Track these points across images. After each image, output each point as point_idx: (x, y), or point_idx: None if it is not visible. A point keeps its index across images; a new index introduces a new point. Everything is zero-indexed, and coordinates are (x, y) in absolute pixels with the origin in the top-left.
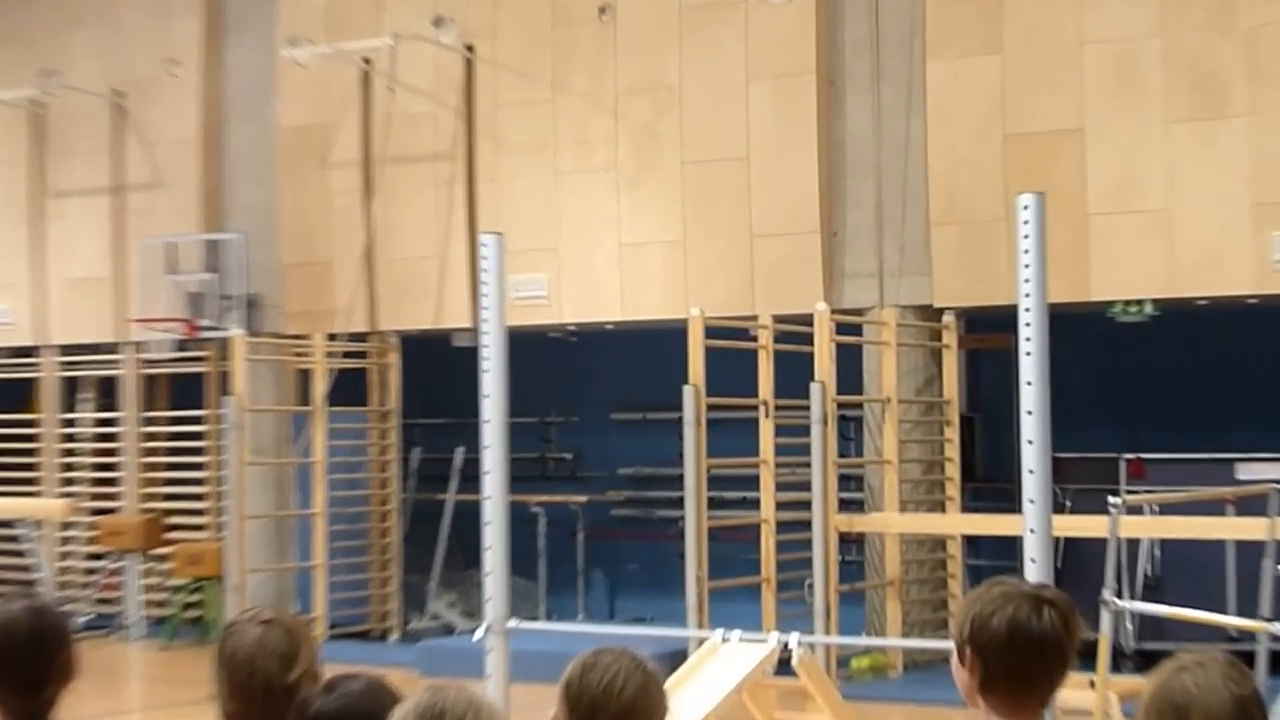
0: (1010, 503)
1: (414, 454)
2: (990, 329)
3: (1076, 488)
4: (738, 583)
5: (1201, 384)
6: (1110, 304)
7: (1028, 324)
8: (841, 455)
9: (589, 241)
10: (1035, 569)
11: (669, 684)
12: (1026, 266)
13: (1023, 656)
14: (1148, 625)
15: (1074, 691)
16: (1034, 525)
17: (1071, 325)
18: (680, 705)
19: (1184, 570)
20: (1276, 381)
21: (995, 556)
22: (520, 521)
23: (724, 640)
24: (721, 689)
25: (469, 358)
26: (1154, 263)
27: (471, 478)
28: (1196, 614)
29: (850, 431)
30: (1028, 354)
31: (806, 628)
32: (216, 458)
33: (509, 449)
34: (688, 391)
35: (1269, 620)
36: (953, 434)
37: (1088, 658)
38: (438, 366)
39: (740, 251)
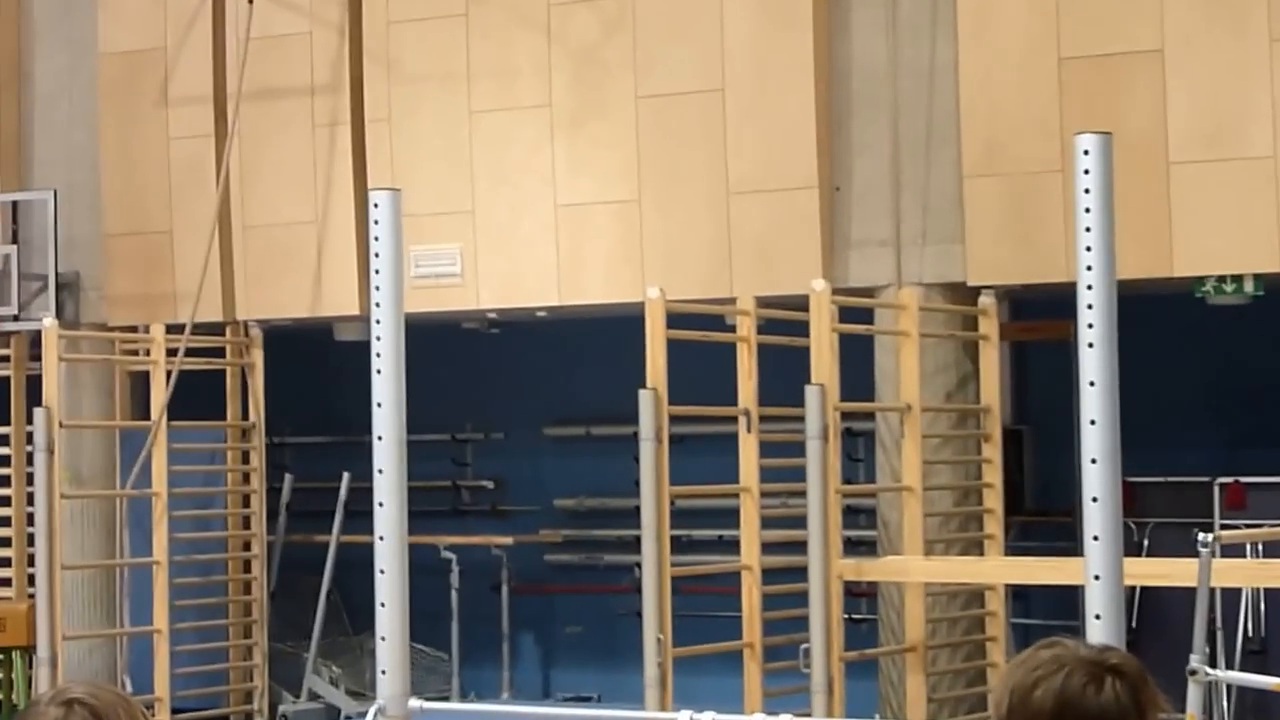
0: (1069, 542)
1: (285, 482)
2: (1043, 315)
3: (1156, 521)
4: (712, 649)
5: None
6: (1200, 281)
7: (1090, 307)
8: (847, 481)
9: (515, 202)
10: (1101, 627)
11: None
12: (1088, 231)
13: None
14: (1249, 702)
15: None
16: (1099, 570)
17: (1149, 309)
18: None
19: None
20: None
21: (1051, 614)
22: (427, 571)
23: None
24: None
25: (357, 356)
26: (1257, 227)
27: (361, 513)
28: None
29: (859, 450)
30: (1090, 346)
31: (802, 707)
32: (23, 489)
33: (406, 475)
34: (645, 397)
35: None
36: (993, 453)
37: None
38: (316, 368)
39: (713, 214)
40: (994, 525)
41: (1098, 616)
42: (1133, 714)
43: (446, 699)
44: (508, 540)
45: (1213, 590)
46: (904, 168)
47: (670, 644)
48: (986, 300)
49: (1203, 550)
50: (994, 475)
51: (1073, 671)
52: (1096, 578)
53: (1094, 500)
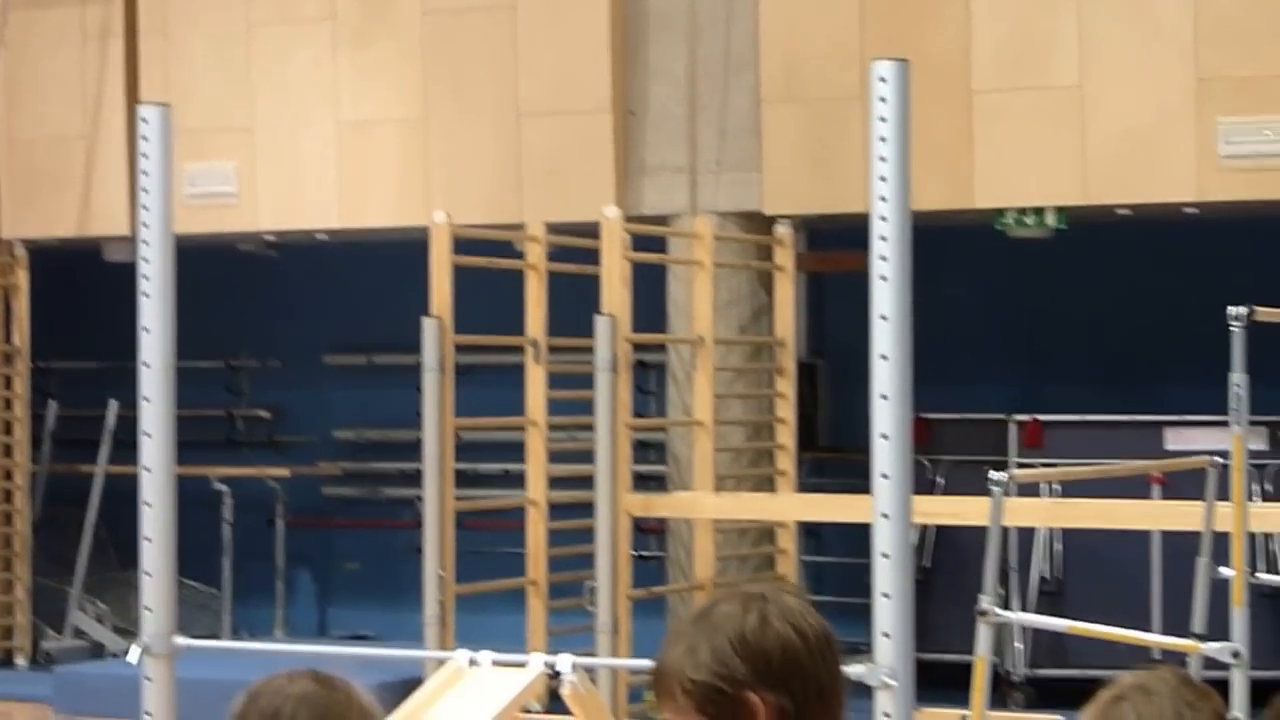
0: (863, 479)
1: (49, 410)
2: (841, 246)
3: (952, 459)
4: (495, 586)
5: (1120, 322)
6: (1000, 213)
7: (883, 238)
8: (638, 414)
9: (295, 119)
10: (888, 566)
11: None
12: (883, 160)
13: None
14: (1045, 645)
15: None
16: (887, 508)
17: (949, 242)
18: None
19: (1094, 571)
20: (1219, 321)
21: (844, 552)
22: (198, 503)
23: (471, 664)
24: None
25: (128, 278)
26: (1060, 159)
27: (130, 443)
28: (1107, 630)
29: (651, 383)
30: (883, 278)
31: (587, 646)
32: None
33: (176, 404)
34: (428, 326)
35: (1202, 638)
36: (787, 387)
37: (961, 685)
38: (83, 290)
39: (503, 136)
40: (786, 461)
41: (885, 555)
42: None
43: (217, 637)
44: (284, 472)
45: (1007, 530)
46: (700, 92)
47: (452, 581)
48: (783, 230)
49: (995, 489)
50: (787, 410)
51: None
52: (885, 516)
53: (884, 437)
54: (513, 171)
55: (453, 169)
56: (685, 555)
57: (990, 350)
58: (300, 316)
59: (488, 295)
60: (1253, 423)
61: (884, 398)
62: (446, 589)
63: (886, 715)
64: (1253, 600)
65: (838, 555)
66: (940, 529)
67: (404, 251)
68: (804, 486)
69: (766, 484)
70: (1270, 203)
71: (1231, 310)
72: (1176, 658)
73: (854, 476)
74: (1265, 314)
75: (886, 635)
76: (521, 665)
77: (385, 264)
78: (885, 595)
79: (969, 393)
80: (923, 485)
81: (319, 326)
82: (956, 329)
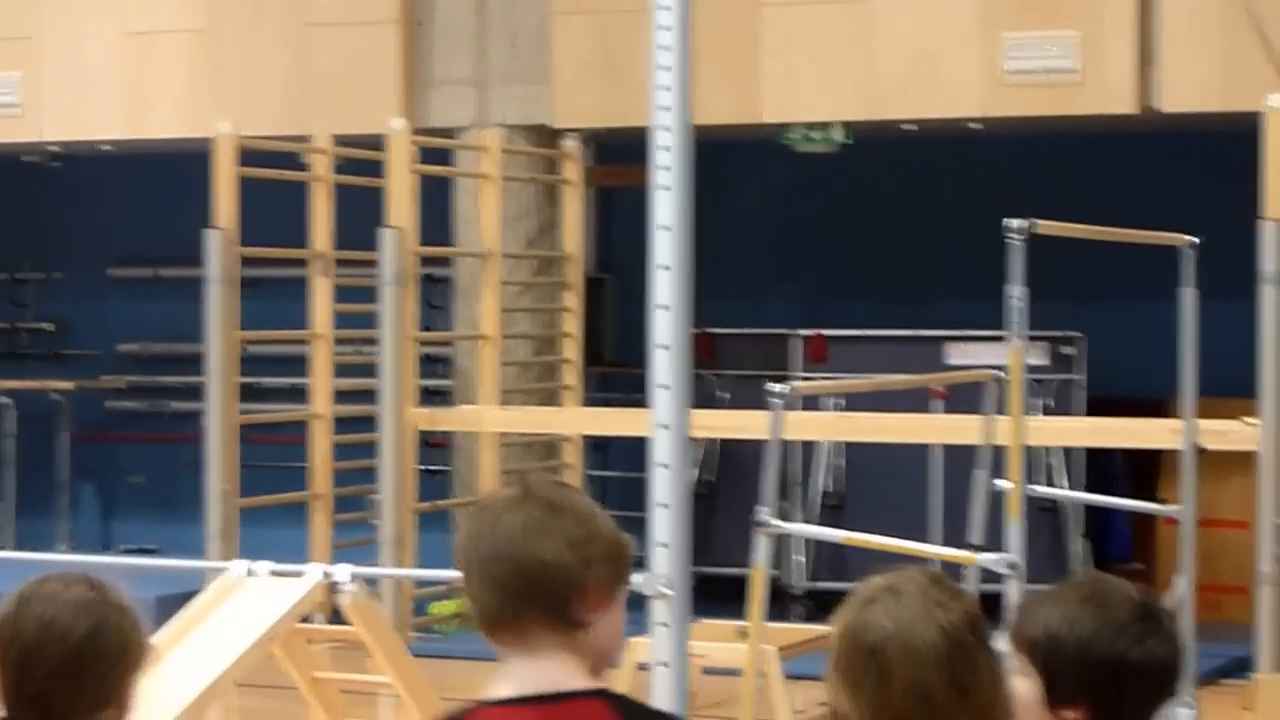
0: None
1: None
2: (629, 160)
3: (737, 374)
4: (279, 499)
5: (905, 238)
6: (786, 128)
7: (665, 148)
8: (425, 328)
9: (78, 28)
10: (667, 477)
11: (169, 633)
12: (665, 69)
13: None
14: (825, 558)
15: (719, 644)
16: (666, 419)
17: (735, 157)
18: (182, 660)
19: (875, 485)
20: (998, 236)
21: (629, 466)
22: None
23: (249, 574)
24: (242, 639)
25: None
26: (846, 74)
27: None
28: (884, 541)
29: (438, 297)
30: (665, 188)
31: (371, 560)
32: None
33: None
34: (213, 238)
35: (979, 550)
36: (574, 301)
37: (743, 599)
38: None
39: (289, 46)
40: (572, 375)
41: (664, 465)
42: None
43: None
44: (67, 385)
45: (790, 445)
46: (489, 4)
47: (235, 495)
48: (571, 144)
49: (774, 401)
50: (574, 324)
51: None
52: (664, 426)
53: (663, 348)
54: (299, 82)
55: (239, 80)
56: (471, 469)
57: (775, 266)
58: (84, 229)
59: (274, 208)
60: (1034, 338)
61: (664, 308)
62: (230, 503)
63: (663, 625)
64: (1029, 513)
65: (623, 470)
66: (724, 444)
67: (190, 163)
68: (590, 401)
69: (552, 398)
70: (1053, 118)
71: (1010, 223)
72: (954, 569)
73: (640, 391)
74: (1046, 227)
75: (664, 545)
76: (299, 575)
77: (171, 176)
78: (663, 505)
79: (754, 308)
80: (707, 400)
81: (103, 239)
82: (742, 244)
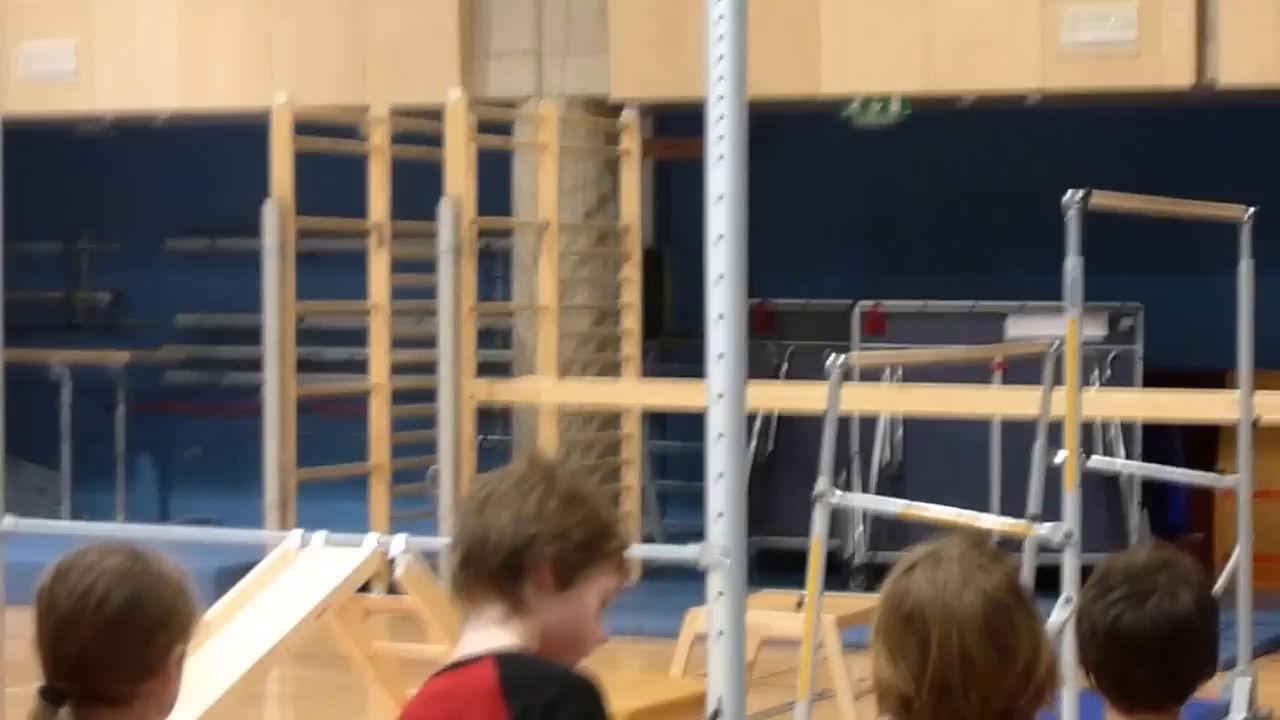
0: None
1: None
2: (687, 133)
3: (796, 345)
4: (339, 472)
5: (964, 211)
6: (845, 101)
7: (721, 117)
8: (484, 299)
9: None
10: (724, 446)
11: (224, 604)
12: (720, 39)
13: None
14: (884, 529)
15: (777, 614)
16: (722, 388)
17: (795, 130)
18: (236, 631)
19: (935, 456)
20: (1057, 208)
21: (688, 437)
22: (36, 387)
23: (303, 545)
24: (296, 610)
25: None
26: (904, 47)
27: None
28: (943, 512)
29: (497, 269)
30: (720, 158)
31: (431, 531)
32: None
33: (3, 287)
34: (270, 208)
35: (1036, 520)
36: (634, 273)
37: (803, 570)
38: None
39: (346, 16)
40: (632, 347)
41: (720, 435)
42: None
43: (57, 519)
44: (125, 357)
45: (850, 417)
46: None
47: (293, 466)
48: (629, 115)
49: (833, 373)
50: (633, 295)
51: None
52: (720, 396)
53: (720, 318)
54: (357, 53)
55: (296, 50)
56: (530, 441)
57: (835, 239)
58: (141, 200)
59: (331, 179)
60: (1091, 309)
61: (720, 278)
62: (288, 474)
63: (720, 593)
64: (1088, 485)
65: (684, 440)
66: (783, 417)
67: (247, 134)
68: (649, 373)
69: (611, 370)
70: (1111, 91)
71: (1068, 194)
72: (1015, 543)
73: (699, 363)
74: (1103, 199)
75: (720, 515)
76: (355, 546)
77: (227, 146)
78: (720, 475)
79: (813, 281)
80: (767, 372)
81: (160, 210)
82: (801, 217)
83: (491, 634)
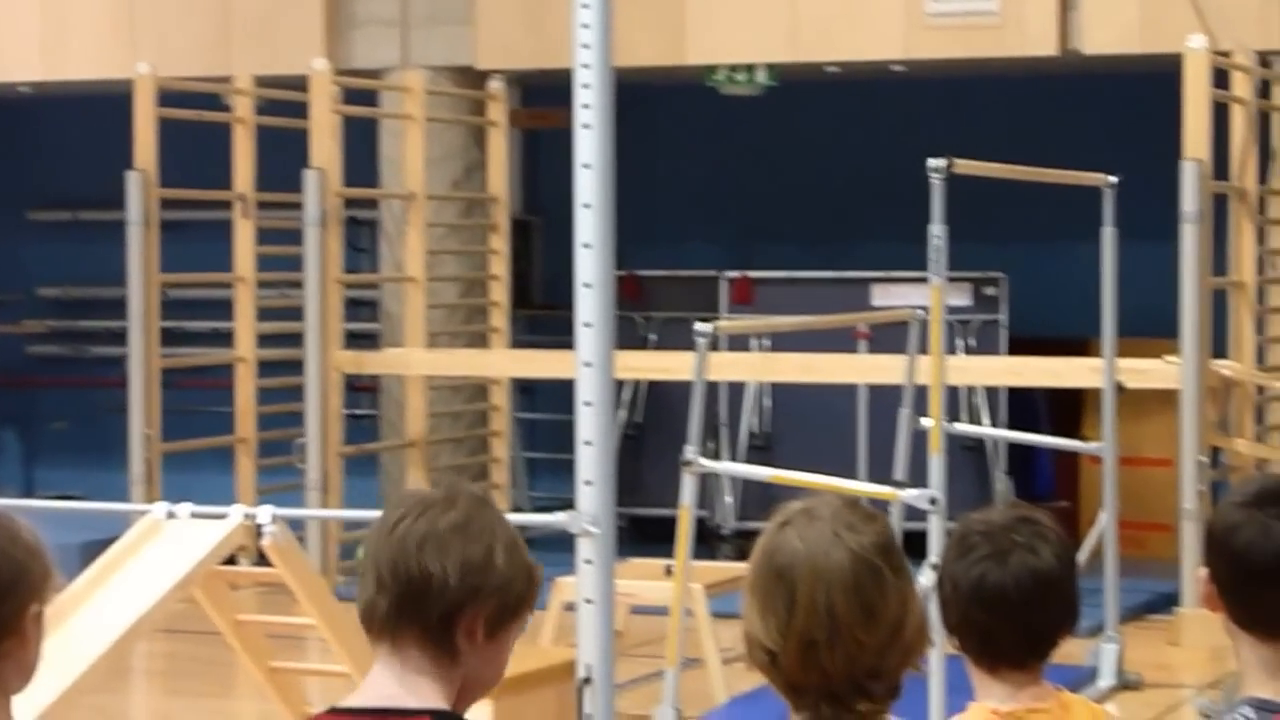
0: None
1: None
2: (554, 102)
3: (664, 315)
4: (202, 444)
5: (830, 180)
6: (711, 70)
7: (587, 85)
8: (350, 270)
9: None
10: (591, 414)
11: (87, 578)
12: (586, 8)
13: None
14: (753, 497)
15: (646, 582)
16: (590, 356)
17: (660, 99)
18: (100, 605)
19: (802, 425)
20: (922, 178)
21: (556, 408)
22: None
23: (169, 516)
24: (161, 583)
25: None
26: (770, 16)
27: None
28: (809, 478)
29: (363, 240)
30: (586, 126)
31: (297, 503)
32: None
33: None
34: (132, 179)
35: (902, 486)
36: (501, 244)
37: (672, 539)
38: None
39: None
40: (500, 318)
41: (588, 403)
42: None
43: None
44: None
45: (718, 386)
46: None
47: (158, 439)
48: (496, 85)
49: (699, 341)
50: (500, 266)
51: None
52: (587, 364)
53: (587, 286)
54: (221, 23)
55: (158, 20)
56: (398, 413)
57: (702, 208)
58: (1, 171)
59: (196, 150)
60: (956, 279)
61: (587, 246)
62: (153, 447)
63: (588, 562)
64: (952, 451)
65: (553, 412)
66: (652, 386)
67: (109, 104)
68: (518, 343)
69: (479, 341)
70: (975, 60)
71: (931, 162)
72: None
73: (568, 334)
74: (966, 167)
75: (589, 483)
76: (221, 517)
77: (90, 117)
78: (587, 443)
79: (681, 251)
80: (635, 342)
81: (21, 182)
82: (668, 188)
83: (418, 684)
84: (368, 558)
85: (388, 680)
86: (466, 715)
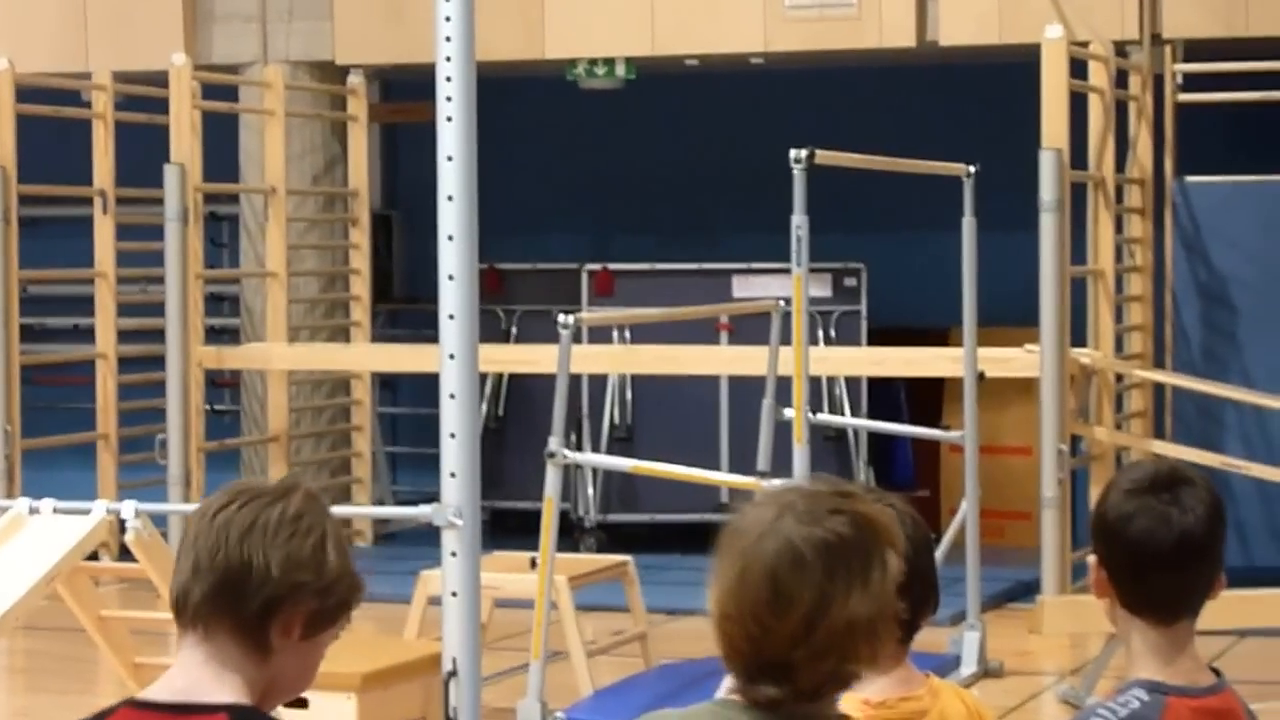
0: (438, 330)
1: None
2: (414, 96)
3: (526, 308)
4: (63, 441)
5: (691, 173)
6: (571, 64)
7: (449, 78)
8: (211, 266)
9: None
10: (455, 407)
11: None
12: (447, 0)
13: None
14: (615, 490)
15: (510, 575)
16: (454, 348)
17: (522, 93)
18: None
19: (664, 417)
20: (784, 171)
21: (419, 402)
22: None
23: (31, 512)
24: (23, 580)
25: None
26: (629, 9)
27: None
28: (672, 469)
29: (223, 235)
30: (449, 119)
31: (160, 499)
32: None
33: None
34: None
35: (765, 476)
36: (361, 238)
37: (537, 531)
38: None
39: None
40: (361, 312)
41: (452, 396)
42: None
43: None
44: None
45: (580, 379)
46: None
47: (18, 436)
48: (355, 80)
49: (563, 332)
50: (361, 261)
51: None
52: (451, 357)
53: (450, 278)
54: (78, 18)
55: (16, 14)
56: (259, 408)
57: (563, 201)
58: None
59: (55, 145)
60: (817, 270)
61: (450, 239)
62: (13, 444)
63: (453, 554)
64: (815, 441)
65: (415, 406)
66: (514, 380)
67: None
68: (379, 338)
69: (341, 335)
70: (834, 52)
71: (793, 153)
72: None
73: (429, 327)
74: (826, 157)
75: (453, 475)
76: (84, 513)
77: None
78: (451, 435)
79: (542, 243)
80: (497, 335)
81: None
82: (530, 180)
83: (222, 677)
84: (185, 543)
85: (190, 671)
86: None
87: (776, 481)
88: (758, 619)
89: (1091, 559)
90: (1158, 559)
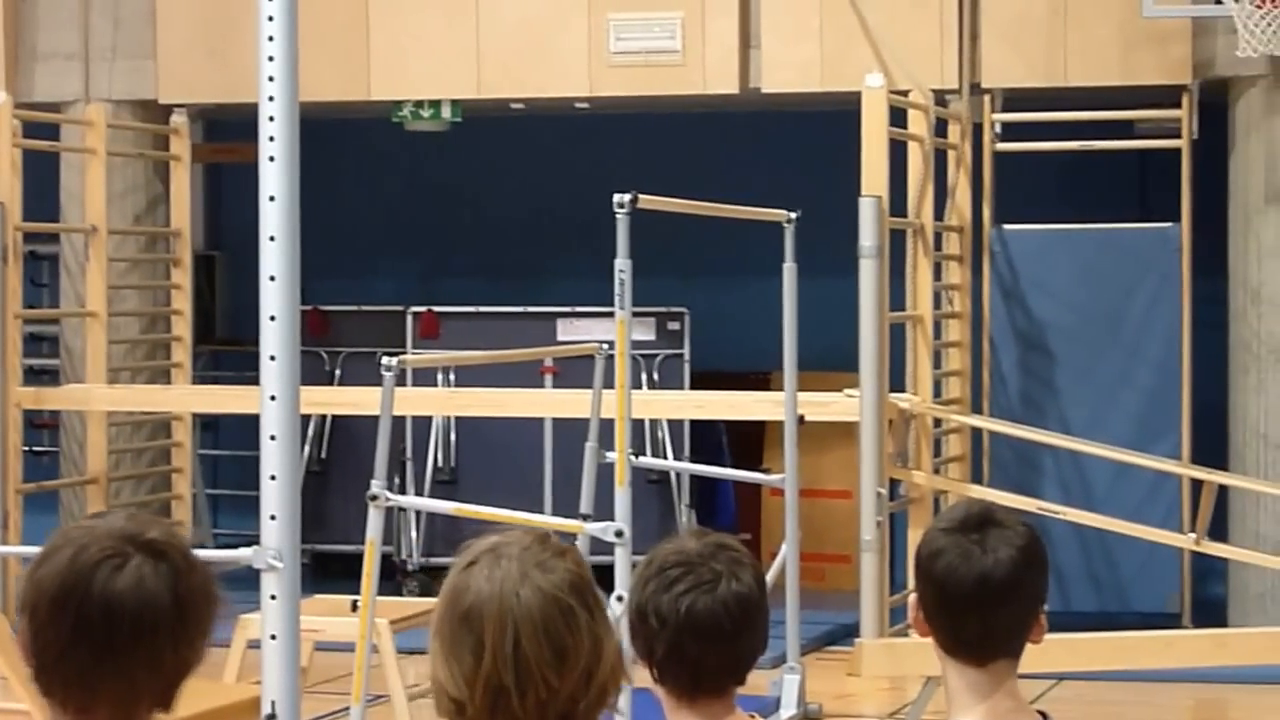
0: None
1: None
2: (238, 137)
3: (350, 350)
4: None
5: (517, 216)
6: (397, 105)
7: (272, 118)
8: (30, 306)
9: None
10: (276, 449)
11: None
12: (271, 40)
13: None
14: (438, 532)
15: (331, 618)
16: (275, 390)
17: (346, 135)
18: None
19: (488, 459)
20: (607, 214)
21: (240, 445)
22: None
23: None
24: None
25: None
26: (455, 52)
27: None
28: (495, 512)
29: (44, 275)
30: (271, 159)
31: None
32: None
33: None
34: None
35: (588, 519)
36: (183, 278)
37: (359, 575)
38: None
39: None
40: (182, 353)
41: (273, 438)
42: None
43: None
44: None
45: (404, 422)
46: None
47: None
48: (178, 119)
49: (386, 375)
50: (183, 302)
51: (88, 546)
52: (272, 398)
53: (271, 319)
54: None
55: None
56: (79, 449)
57: (388, 243)
58: None
59: None
60: (640, 313)
61: (272, 279)
62: None
63: (273, 597)
64: (638, 483)
65: (233, 448)
66: (337, 422)
67: None
68: (201, 379)
69: (162, 376)
70: (659, 97)
71: (616, 197)
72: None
73: (251, 369)
74: (649, 202)
75: (273, 517)
76: None
77: None
78: (272, 477)
79: (367, 285)
80: (321, 377)
81: None
82: (354, 222)
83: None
84: (42, 599)
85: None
86: None
87: (598, 524)
88: (543, 681)
89: (912, 597)
90: (959, 598)
